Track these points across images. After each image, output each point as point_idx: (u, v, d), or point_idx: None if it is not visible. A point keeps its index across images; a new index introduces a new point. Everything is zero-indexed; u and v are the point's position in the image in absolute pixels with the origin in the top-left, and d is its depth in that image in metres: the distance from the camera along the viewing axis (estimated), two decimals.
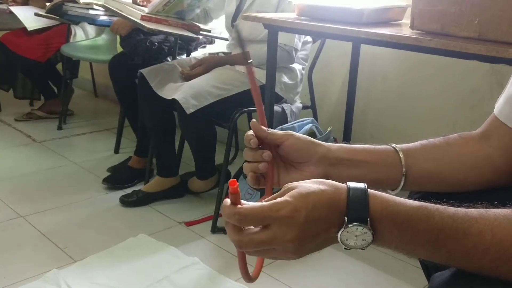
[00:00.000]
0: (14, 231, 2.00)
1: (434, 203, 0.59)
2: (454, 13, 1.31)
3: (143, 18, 2.13)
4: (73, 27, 3.19)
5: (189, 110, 1.96)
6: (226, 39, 2.43)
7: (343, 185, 0.60)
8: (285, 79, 2.13)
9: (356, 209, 0.58)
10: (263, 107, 0.78)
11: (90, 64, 3.73)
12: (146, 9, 2.25)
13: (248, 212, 0.58)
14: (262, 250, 0.60)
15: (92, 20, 2.63)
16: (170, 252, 1.88)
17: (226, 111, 2.04)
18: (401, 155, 0.77)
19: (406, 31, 1.45)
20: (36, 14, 2.93)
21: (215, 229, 2.04)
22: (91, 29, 3.30)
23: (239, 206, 0.59)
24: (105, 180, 2.41)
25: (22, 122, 3.31)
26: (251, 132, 0.77)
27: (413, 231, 0.57)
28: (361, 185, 0.59)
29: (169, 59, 2.46)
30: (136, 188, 2.34)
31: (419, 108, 2.19)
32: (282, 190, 0.61)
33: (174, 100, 1.99)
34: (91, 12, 2.54)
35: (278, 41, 1.81)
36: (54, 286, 1.65)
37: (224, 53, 2.35)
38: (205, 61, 2.20)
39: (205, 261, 1.82)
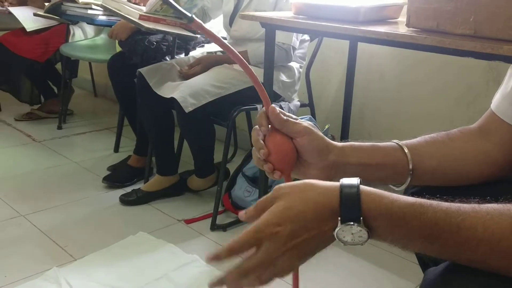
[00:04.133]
0: (15, 230, 2.00)
1: (428, 198, 0.59)
2: (449, 11, 1.31)
3: (141, 17, 2.12)
4: (71, 27, 3.18)
5: (188, 109, 1.96)
6: (225, 38, 2.41)
7: (335, 184, 0.60)
8: (283, 77, 2.13)
9: (349, 209, 0.58)
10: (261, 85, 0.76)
11: (90, 63, 3.72)
12: (144, 8, 2.24)
13: (235, 243, 0.60)
14: (269, 271, 0.61)
15: (91, 20, 2.63)
16: (170, 249, 1.88)
17: (224, 109, 2.04)
18: (407, 153, 0.77)
19: (402, 29, 1.45)
20: (35, 14, 2.93)
21: (215, 227, 2.04)
22: (89, 29, 3.28)
23: (227, 244, 0.61)
24: (105, 179, 2.41)
25: (22, 121, 3.30)
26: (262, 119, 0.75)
27: (407, 227, 0.57)
28: (354, 182, 0.60)
29: (167, 58, 2.45)
30: (136, 186, 2.33)
31: (416, 106, 2.18)
32: (270, 195, 0.62)
33: (172, 99, 1.99)
34: (89, 12, 2.54)
35: (275, 39, 1.81)
36: (54, 284, 1.65)
37: (222, 52, 2.35)
38: (203, 60, 2.20)
39: (205, 258, 1.82)
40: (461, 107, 2.05)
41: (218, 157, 2.21)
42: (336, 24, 1.53)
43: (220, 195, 2.09)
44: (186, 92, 1.97)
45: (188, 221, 2.10)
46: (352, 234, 0.58)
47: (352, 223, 0.57)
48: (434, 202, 0.58)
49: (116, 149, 2.85)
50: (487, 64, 1.92)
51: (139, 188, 2.29)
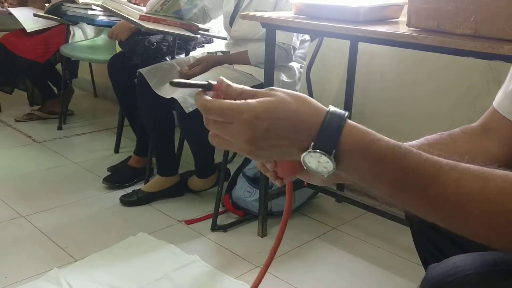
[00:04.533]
0: (15, 231, 2.00)
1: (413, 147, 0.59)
2: (450, 11, 1.31)
3: (141, 18, 2.12)
4: (72, 27, 3.18)
5: (188, 109, 1.96)
6: (225, 38, 2.43)
7: (323, 109, 0.59)
8: (283, 77, 2.13)
9: (326, 137, 0.57)
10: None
11: (90, 64, 3.72)
12: (144, 9, 2.25)
13: (212, 105, 0.59)
14: (225, 141, 0.60)
15: (91, 20, 2.63)
16: (170, 250, 1.88)
17: None
18: None
19: (402, 29, 1.45)
20: (35, 15, 2.93)
21: (215, 227, 2.04)
22: (90, 29, 3.29)
23: (207, 98, 0.60)
24: (105, 180, 2.41)
25: (22, 122, 3.30)
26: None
27: (382, 169, 0.57)
28: (342, 113, 0.59)
29: (167, 58, 2.45)
30: (136, 187, 2.34)
31: (416, 106, 2.18)
32: (265, 90, 0.61)
33: (173, 99, 1.99)
34: (89, 12, 2.53)
35: (276, 39, 1.81)
36: (55, 285, 1.65)
37: (222, 52, 2.35)
38: (203, 61, 2.19)
39: (205, 259, 1.82)
40: (461, 107, 2.05)
41: (218, 157, 2.21)
42: (337, 24, 1.53)
43: (220, 196, 2.09)
44: (186, 92, 1.97)
45: (189, 222, 2.10)
46: (318, 162, 0.58)
47: (322, 152, 0.57)
48: (415, 151, 0.57)
49: (117, 150, 2.85)
50: (488, 64, 1.92)
51: (140, 188, 2.29)
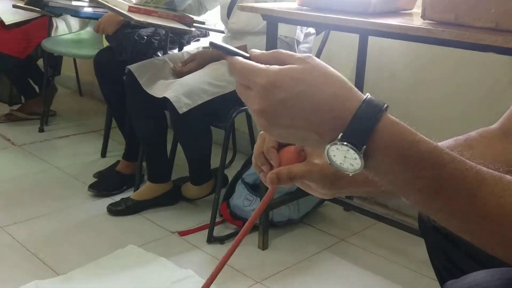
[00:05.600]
0: None
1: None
2: (468, 2, 1.31)
3: (130, 9, 2.12)
4: (54, 19, 3.18)
5: (182, 110, 1.96)
6: (222, 32, 2.43)
7: (360, 96, 0.56)
8: None
9: (357, 129, 0.53)
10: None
11: (74, 60, 3.73)
12: (134, 0, 2.25)
13: (235, 63, 0.58)
14: (241, 89, 0.59)
15: (75, 12, 2.64)
16: (162, 264, 1.87)
17: (222, 110, 2.04)
18: None
19: (416, 21, 1.45)
20: (14, 6, 2.93)
21: (211, 239, 2.04)
22: (74, 22, 3.29)
23: (235, 57, 0.59)
24: (91, 187, 2.41)
25: (0, 124, 3.29)
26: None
27: (417, 175, 0.54)
28: (380, 104, 0.55)
29: (159, 54, 2.45)
30: (125, 195, 2.34)
31: (430, 109, 2.17)
32: (302, 56, 0.57)
33: (165, 99, 1.99)
34: (74, 3, 2.56)
35: (278, 33, 1.81)
36: None
37: None
38: (198, 56, 2.19)
39: (201, 273, 1.82)
40: (480, 109, 2.03)
41: (215, 162, 2.21)
42: (345, 16, 1.53)
43: (217, 204, 2.09)
44: (180, 91, 1.97)
45: (183, 233, 2.10)
46: (345, 157, 0.55)
47: (351, 146, 0.53)
48: (458, 158, 0.55)
49: (104, 154, 2.85)
50: (510, 59, 1.91)
51: (129, 196, 2.29)
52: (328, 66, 0.57)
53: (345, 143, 0.54)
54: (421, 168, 0.54)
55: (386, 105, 0.55)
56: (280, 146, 0.69)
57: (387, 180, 0.57)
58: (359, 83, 2.18)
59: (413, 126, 0.56)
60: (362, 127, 0.53)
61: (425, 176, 0.54)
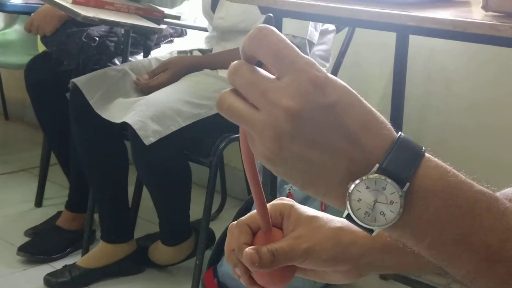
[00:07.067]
0: None
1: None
2: None
3: (76, 1, 2.13)
4: None
5: (149, 140, 1.97)
6: (205, 30, 2.47)
7: (392, 129, 0.58)
8: None
9: (400, 159, 0.55)
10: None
11: None
12: None
13: (238, 76, 0.58)
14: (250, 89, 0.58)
15: None
16: None
17: (205, 139, 2.07)
18: None
19: (476, 14, 1.48)
20: None
21: None
22: None
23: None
24: (22, 249, 2.38)
25: None
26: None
27: (472, 226, 0.55)
28: (417, 144, 0.58)
29: (117, 61, 2.48)
30: (70, 261, 2.32)
31: (496, 120, 2.22)
32: (323, 71, 0.57)
33: (125, 125, 1.99)
34: None
35: (283, 31, 1.78)
36: None
37: (201, 50, 2.38)
38: (172, 65, 2.22)
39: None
40: None
41: (196, 212, 2.21)
42: (376, 8, 1.53)
43: (199, 272, 2.10)
44: (146, 114, 1.99)
45: None
46: (375, 202, 0.55)
47: (391, 180, 0.54)
48: (509, 209, 0.56)
49: (39, 203, 2.84)
50: None
51: (75, 263, 2.27)
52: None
53: (382, 175, 0.55)
54: (474, 218, 0.55)
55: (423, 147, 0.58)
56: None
57: (426, 244, 0.57)
58: (398, 92, 2.22)
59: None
60: (406, 156, 0.56)
61: (481, 228, 0.56)
